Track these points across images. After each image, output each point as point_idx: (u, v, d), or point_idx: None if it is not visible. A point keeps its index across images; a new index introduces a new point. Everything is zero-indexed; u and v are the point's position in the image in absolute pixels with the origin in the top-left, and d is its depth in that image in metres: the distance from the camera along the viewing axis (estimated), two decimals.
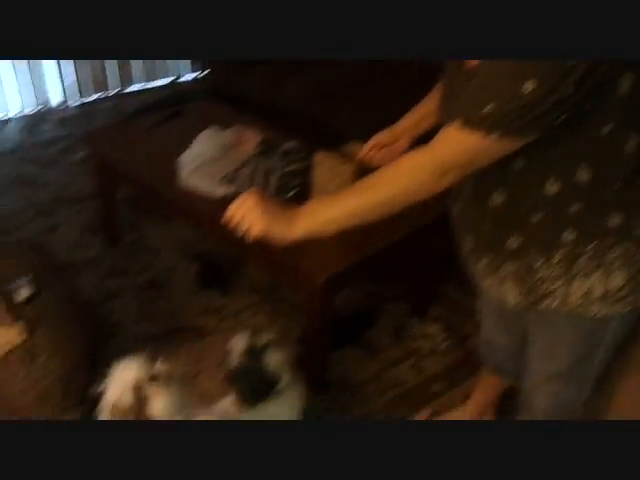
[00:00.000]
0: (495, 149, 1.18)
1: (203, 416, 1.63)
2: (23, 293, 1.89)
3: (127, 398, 1.45)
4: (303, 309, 2.41)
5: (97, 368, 2.02)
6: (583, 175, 1.22)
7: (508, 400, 2.08)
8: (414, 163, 1.26)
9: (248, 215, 1.35)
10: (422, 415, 2.17)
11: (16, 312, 1.85)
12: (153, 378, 1.50)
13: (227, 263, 2.82)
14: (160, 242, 2.98)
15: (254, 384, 1.83)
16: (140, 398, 1.46)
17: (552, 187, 1.25)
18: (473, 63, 1.25)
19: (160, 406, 1.47)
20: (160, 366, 1.56)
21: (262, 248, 2.12)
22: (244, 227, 1.36)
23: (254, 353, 1.82)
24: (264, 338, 1.84)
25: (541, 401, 1.66)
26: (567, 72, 1.06)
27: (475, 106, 1.14)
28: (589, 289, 1.34)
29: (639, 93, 1.15)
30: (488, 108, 1.12)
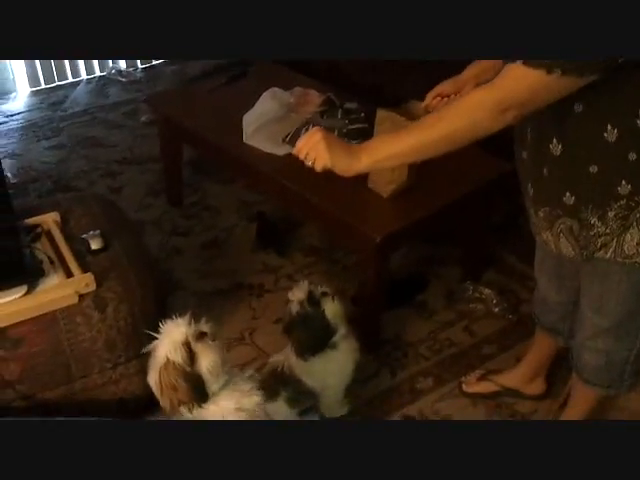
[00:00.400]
0: (556, 88, 1.19)
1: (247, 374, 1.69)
2: (94, 245, 1.98)
3: (177, 354, 1.50)
4: (358, 270, 2.46)
5: (161, 320, 2.14)
6: None
7: (560, 362, 2.11)
8: (475, 99, 1.28)
9: (314, 149, 1.39)
10: (473, 377, 2.20)
11: (87, 263, 1.95)
12: (201, 336, 1.54)
13: (285, 224, 2.89)
14: (221, 203, 3.07)
15: (312, 332, 1.91)
16: (189, 354, 1.51)
17: (610, 135, 1.27)
18: None
19: (207, 363, 1.52)
20: (207, 325, 1.60)
21: (320, 209, 2.20)
22: (311, 160, 1.41)
23: (313, 302, 1.90)
24: (322, 289, 1.92)
25: (591, 358, 1.68)
26: None
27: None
28: None
29: None
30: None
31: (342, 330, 1.95)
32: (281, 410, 1.91)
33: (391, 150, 1.37)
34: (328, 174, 1.43)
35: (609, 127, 1.27)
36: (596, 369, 1.69)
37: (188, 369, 1.50)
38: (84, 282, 1.87)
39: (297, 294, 1.91)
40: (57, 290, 1.85)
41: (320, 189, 2.16)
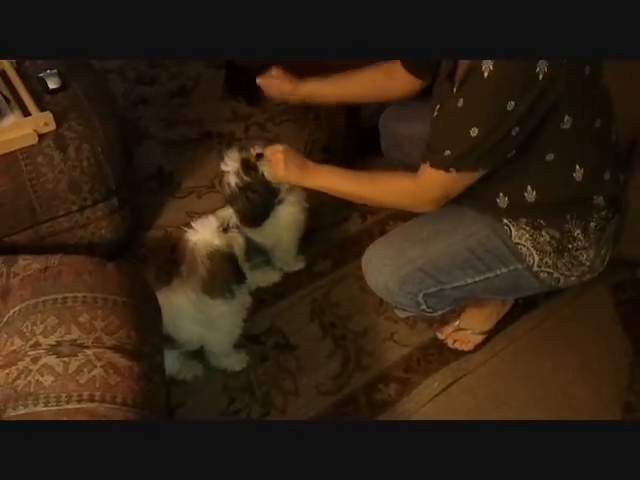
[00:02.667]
0: (460, 181, 1.44)
1: None
2: (51, 84, 1.89)
3: (219, 242, 1.63)
4: (330, 118, 2.40)
5: (127, 165, 2.09)
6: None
7: None
8: (404, 188, 1.55)
9: (276, 162, 1.71)
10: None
11: (45, 102, 1.87)
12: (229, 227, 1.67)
13: (255, 71, 2.78)
14: None
15: (256, 201, 1.83)
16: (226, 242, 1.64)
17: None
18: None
19: (240, 250, 1.68)
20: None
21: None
22: (271, 168, 1.75)
23: (249, 168, 1.81)
24: (256, 151, 1.82)
25: None
26: (505, 117, 1.30)
27: (437, 150, 1.41)
28: None
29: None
30: (446, 152, 1.39)
31: (285, 185, 1.87)
32: None
33: (331, 185, 1.65)
34: None
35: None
36: None
37: (230, 252, 1.65)
38: (42, 121, 1.81)
39: (230, 164, 1.81)
40: (15, 129, 1.78)
41: None
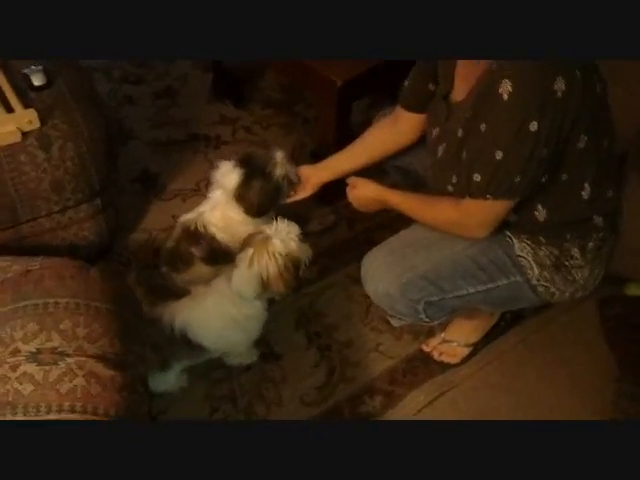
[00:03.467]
0: (499, 207, 1.43)
1: None
2: (36, 81, 1.84)
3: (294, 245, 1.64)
4: (318, 121, 2.38)
5: (112, 166, 2.05)
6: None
7: None
8: (446, 215, 1.52)
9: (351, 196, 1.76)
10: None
11: (29, 99, 1.82)
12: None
13: (243, 74, 2.76)
14: None
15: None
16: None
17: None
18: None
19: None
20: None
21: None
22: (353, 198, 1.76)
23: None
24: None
25: None
26: (528, 137, 1.29)
27: (470, 179, 1.40)
28: None
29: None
30: (475, 176, 1.38)
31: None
32: (201, 272, 1.88)
33: (400, 209, 1.64)
34: None
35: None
36: None
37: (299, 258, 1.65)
38: (26, 118, 1.75)
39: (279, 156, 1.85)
40: None
41: None
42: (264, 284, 1.61)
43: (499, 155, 1.33)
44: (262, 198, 1.83)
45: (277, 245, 1.60)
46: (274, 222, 1.65)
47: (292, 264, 1.62)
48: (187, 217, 1.93)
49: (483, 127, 1.35)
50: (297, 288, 1.73)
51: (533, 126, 1.29)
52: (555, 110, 1.29)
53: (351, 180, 1.77)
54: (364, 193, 1.72)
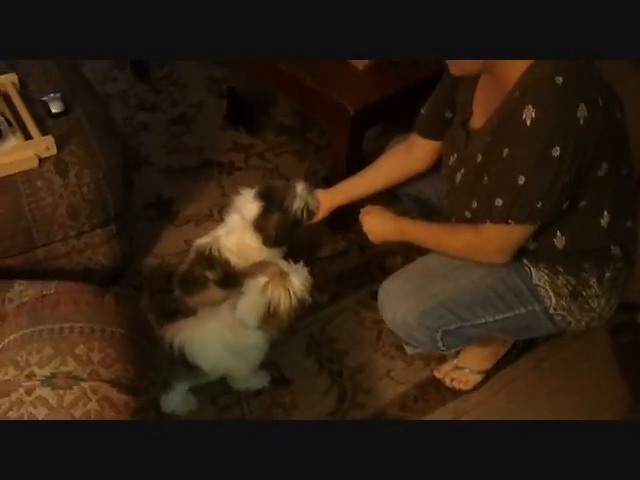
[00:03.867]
0: (519, 232, 1.43)
1: None
2: (54, 108, 1.88)
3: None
4: (330, 148, 2.40)
5: (127, 192, 2.07)
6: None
7: None
8: (465, 241, 1.53)
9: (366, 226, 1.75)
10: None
11: (47, 126, 1.85)
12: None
13: (257, 101, 2.80)
14: (189, 78, 2.94)
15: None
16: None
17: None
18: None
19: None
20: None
21: (294, 80, 2.11)
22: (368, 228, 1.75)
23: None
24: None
25: None
26: (551, 162, 1.30)
27: (491, 204, 1.40)
28: None
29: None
30: (497, 201, 1.39)
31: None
32: (214, 295, 1.89)
33: (412, 235, 1.64)
34: None
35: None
36: None
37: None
38: (44, 145, 1.79)
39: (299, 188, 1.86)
40: (16, 152, 1.76)
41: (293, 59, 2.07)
42: (268, 315, 1.63)
43: (522, 180, 1.34)
44: (280, 231, 1.86)
45: (295, 284, 1.63)
46: (290, 261, 1.68)
47: (299, 307, 1.65)
48: (202, 241, 1.95)
49: (505, 152, 1.36)
50: (290, 331, 1.75)
51: (556, 152, 1.30)
52: (578, 136, 1.30)
53: (366, 209, 1.77)
54: (380, 222, 1.72)
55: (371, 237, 1.75)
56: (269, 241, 1.86)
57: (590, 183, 1.41)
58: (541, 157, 1.31)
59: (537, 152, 1.31)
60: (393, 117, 2.42)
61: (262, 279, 1.62)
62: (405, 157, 1.84)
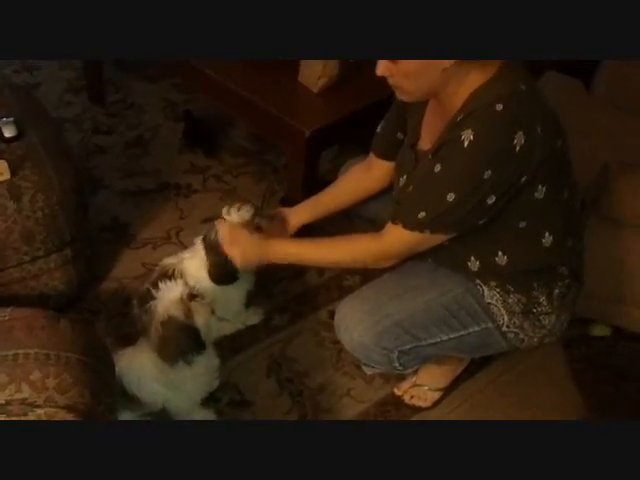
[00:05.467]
0: (429, 241, 1.48)
1: None
2: (7, 132, 1.86)
3: (177, 311, 1.57)
4: (288, 170, 2.42)
5: (83, 216, 2.06)
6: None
7: None
8: (364, 245, 1.58)
9: (233, 250, 1.69)
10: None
11: (0, 151, 1.84)
12: (193, 297, 1.62)
13: (214, 124, 2.81)
14: (146, 101, 2.94)
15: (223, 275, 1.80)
16: (186, 311, 1.59)
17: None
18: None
19: (202, 320, 1.61)
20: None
21: (250, 103, 2.13)
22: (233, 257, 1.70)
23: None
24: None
25: None
26: (480, 184, 1.35)
27: (410, 212, 1.45)
28: None
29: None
30: (421, 214, 1.43)
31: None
32: None
33: (293, 253, 1.67)
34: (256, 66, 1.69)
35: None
36: None
37: (187, 323, 1.59)
38: None
39: (232, 217, 1.78)
40: None
41: (250, 83, 2.09)
42: (160, 353, 1.62)
43: (450, 197, 1.38)
44: (216, 270, 1.80)
45: (159, 313, 1.59)
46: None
47: (179, 330, 1.58)
48: (168, 261, 1.93)
49: (437, 167, 1.40)
50: (199, 349, 1.64)
51: (487, 174, 1.35)
52: (511, 163, 1.35)
53: (226, 235, 1.71)
54: (244, 247, 1.68)
55: (238, 264, 1.70)
56: (214, 280, 1.83)
57: (528, 205, 1.45)
58: (472, 178, 1.36)
59: (469, 172, 1.36)
60: (349, 138, 2.46)
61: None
62: (364, 176, 1.86)
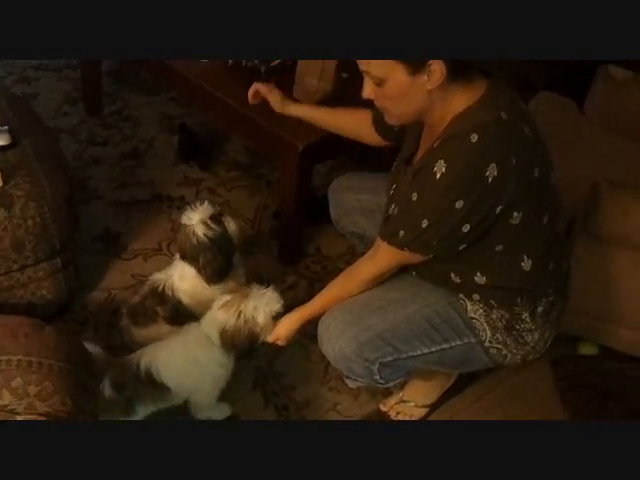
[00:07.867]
0: (414, 258, 1.51)
1: None
2: (1, 140, 1.87)
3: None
4: (281, 183, 2.44)
5: (73, 225, 2.06)
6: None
7: None
8: (363, 274, 1.61)
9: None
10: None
11: None
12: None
13: (208, 138, 2.82)
14: (142, 114, 2.96)
15: (222, 254, 1.83)
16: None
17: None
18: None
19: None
20: None
21: (244, 118, 2.15)
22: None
23: (217, 223, 1.83)
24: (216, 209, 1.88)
25: None
26: (452, 214, 1.37)
27: (394, 231, 1.48)
28: None
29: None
30: (401, 233, 1.46)
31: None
32: (162, 330, 1.89)
33: (313, 316, 1.69)
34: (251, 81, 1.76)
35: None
36: None
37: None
38: None
39: (197, 216, 1.81)
40: None
41: (245, 97, 2.10)
42: (224, 333, 1.66)
43: (425, 224, 1.41)
44: (211, 265, 1.84)
45: (248, 307, 1.66)
46: (264, 288, 1.71)
47: (250, 333, 1.66)
48: (157, 276, 1.94)
49: (414, 196, 1.42)
50: (245, 356, 1.75)
51: (459, 204, 1.36)
52: (483, 194, 1.36)
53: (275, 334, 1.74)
54: (286, 328, 1.72)
55: (280, 342, 1.74)
56: (207, 279, 1.86)
57: (503, 230, 1.45)
58: (444, 208, 1.38)
59: (441, 204, 1.38)
60: (342, 153, 2.48)
61: (225, 297, 1.67)
62: (365, 124, 1.82)
